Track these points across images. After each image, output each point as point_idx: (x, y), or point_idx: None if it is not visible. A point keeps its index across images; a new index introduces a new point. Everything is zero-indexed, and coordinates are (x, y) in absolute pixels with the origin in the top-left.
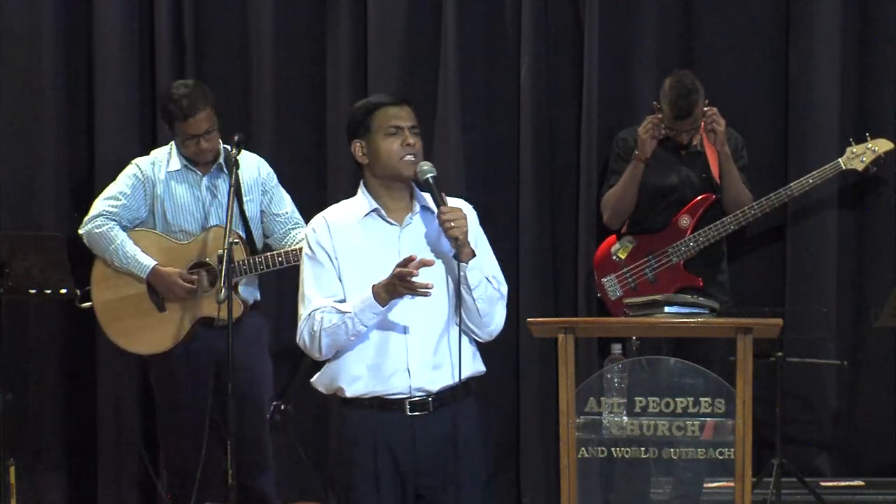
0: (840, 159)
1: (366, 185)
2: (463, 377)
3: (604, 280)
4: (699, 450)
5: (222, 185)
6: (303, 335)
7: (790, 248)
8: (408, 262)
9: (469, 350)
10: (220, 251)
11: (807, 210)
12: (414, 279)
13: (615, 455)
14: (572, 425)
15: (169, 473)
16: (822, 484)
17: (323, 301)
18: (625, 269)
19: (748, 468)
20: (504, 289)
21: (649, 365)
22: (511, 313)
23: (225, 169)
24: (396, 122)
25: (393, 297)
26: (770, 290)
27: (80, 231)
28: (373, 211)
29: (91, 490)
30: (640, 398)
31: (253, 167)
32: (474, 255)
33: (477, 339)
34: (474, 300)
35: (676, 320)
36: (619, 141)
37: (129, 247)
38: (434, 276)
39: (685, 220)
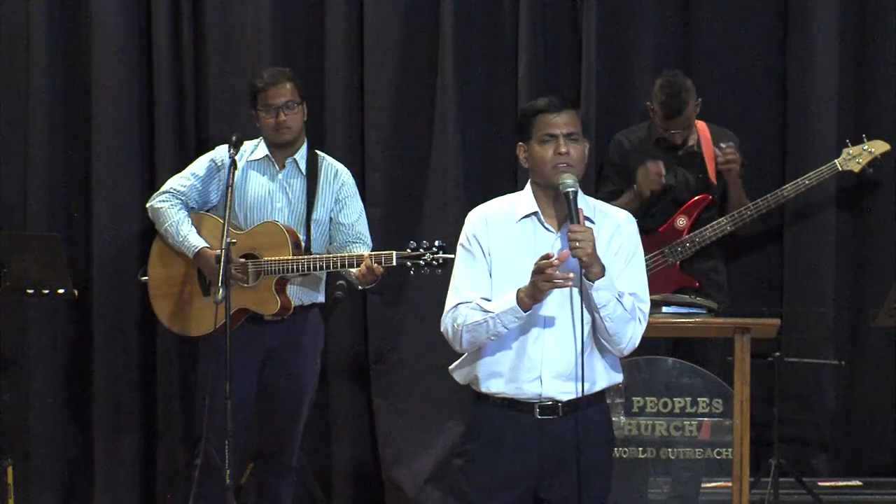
0: (836, 161)
1: (532, 187)
2: (595, 390)
3: None
4: (697, 450)
5: (297, 184)
6: (446, 325)
7: (788, 249)
8: (546, 257)
9: (603, 363)
10: (217, 252)
11: (805, 211)
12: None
13: (614, 455)
14: None
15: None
16: (820, 484)
17: (471, 294)
18: None
19: (746, 468)
20: (646, 307)
21: (647, 365)
22: None
23: (303, 170)
24: (551, 130)
25: (535, 300)
26: (768, 290)
27: (147, 204)
28: (533, 214)
29: (88, 490)
30: (639, 398)
31: (333, 174)
32: (602, 274)
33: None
34: (602, 318)
35: (675, 320)
36: (615, 143)
37: (184, 226)
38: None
39: (681, 221)
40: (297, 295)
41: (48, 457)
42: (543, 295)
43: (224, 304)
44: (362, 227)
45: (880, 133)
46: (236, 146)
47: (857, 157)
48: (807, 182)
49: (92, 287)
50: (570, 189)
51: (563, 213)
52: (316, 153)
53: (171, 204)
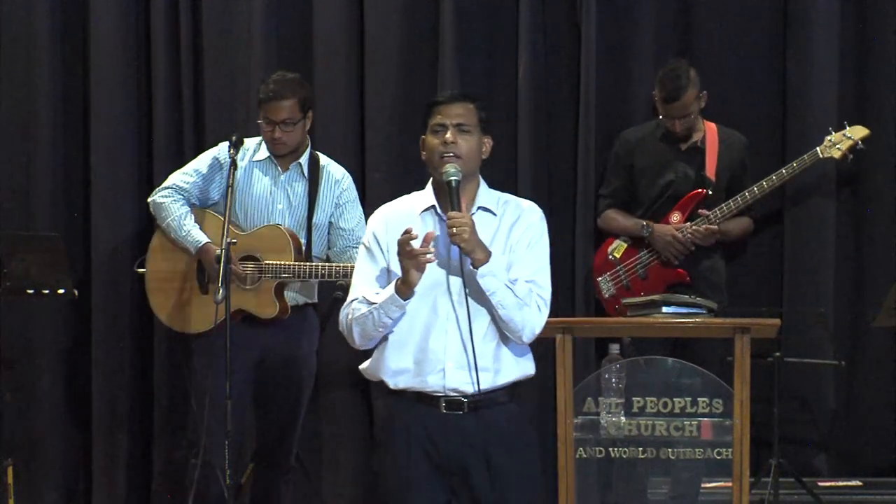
0: (818, 148)
1: (432, 180)
2: (503, 381)
3: (599, 279)
4: (697, 450)
5: (299, 187)
6: (341, 322)
7: (788, 248)
8: (407, 232)
9: (511, 353)
10: (217, 252)
11: (805, 210)
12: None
13: (613, 455)
14: (570, 425)
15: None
16: (820, 484)
17: (365, 291)
18: (619, 267)
19: (746, 468)
20: (545, 294)
21: (647, 365)
22: None
23: (306, 173)
24: (441, 121)
25: (409, 283)
26: (768, 290)
27: (149, 199)
28: (431, 207)
29: (87, 490)
30: (638, 398)
31: (333, 178)
32: (486, 260)
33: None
34: (494, 305)
35: (675, 320)
36: (620, 139)
37: (187, 221)
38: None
39: (676, 217)
40: (294, 297)
41: (48, 457)
42: (414, 275)
43: (224, 304)
44: (362, 232)
45: (881, 133)
46: (236, 146)
47: (837, 143)
48: (785, 172)
49: (91, 287)
50: (451, 178)
51: (463, 204)
52: (318, 157)
53: (173, 199)
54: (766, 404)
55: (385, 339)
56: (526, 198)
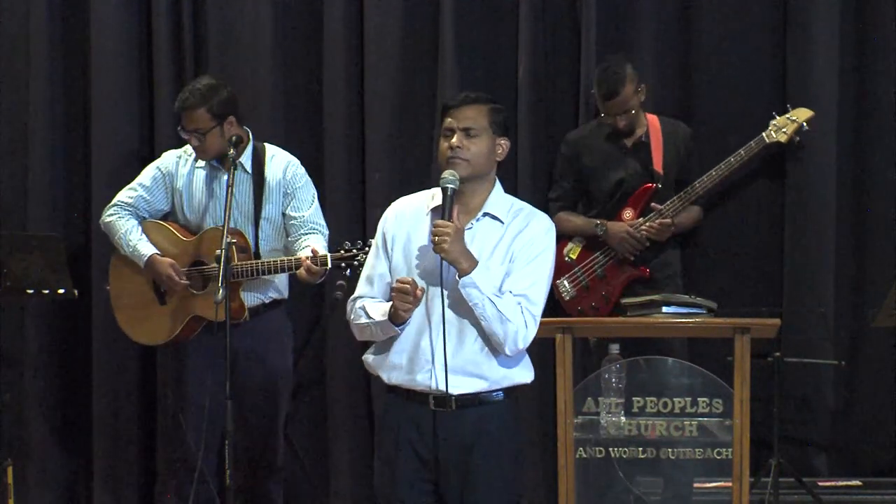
0: (763, 133)
1: None
2: (493, 388)
3: (557, 282)
4: (697, 450)
5: (243, 184)
6: (348, 315)
7: (788, 248)
8: (403, 282)
9: (503, 361)
10: (218, 251)
11: (805, 210)
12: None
13: (613, 455)
14: (570, 425)
15: (178, 472)
16: (820, 484)
17: (365, 289)
18: (576, 269)
19: (746, 468)
20: (535, 310)
21: (647, 365)
22: None
23: (249, 169)
24: (448, 125)
25: (398, 319)
26: (768, 290)
27: (100, 220)
28: (438, 207)
29: (87, 490)
30: (638, 398)
31: (279, 169)
32: (469, 271)
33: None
34: (477, 316)
35: (675, 320)
36: (564, 141)
37: (132, 236)
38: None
39: (628, 213)
40: (254, 295)
41: (48, 457)
42: (402, 315)
43: (224, 304)
44: (316, 217)
45: (881, 133)
46: (236, 146)
47: (783, 127)
48: (733, 160)
49: (91, 287)
50: (447, 185)
51: (467, 206)
52: (264, 150)
53: (119, 216)
54: (766, 404)
55: None
56: (525, 197)
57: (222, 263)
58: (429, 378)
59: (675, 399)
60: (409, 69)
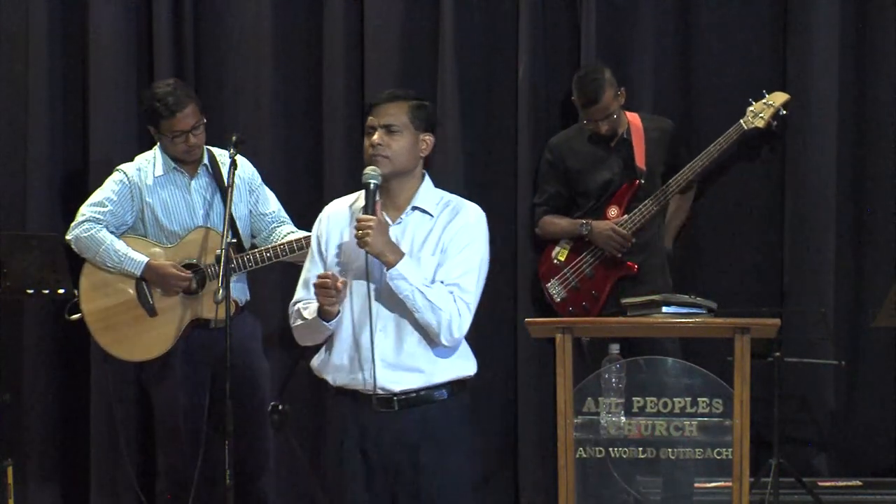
0: (741, 120)
1: None
2: (436, 381)
3: (548, 285)
4: (697, 450)
5: (210, 186)
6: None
7: (788, 248)
8: (324, 276)
9: (444, 354)
10: (218, 251)
11: (805, 209)
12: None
13: (613, 455)
14: (570, 425)
15: (168, 478)
16: (820, 484)
17: (301, 293)
18: (565, 270)
19: (746, 468)
20: (469, 297)
21: (647, 365)
22: (509, 312)
23: (211, 170)
24: (370, 123)
25: (326, 315)
26: (768, 290)
27: (68, 237)
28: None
29: (85, 492)
30: (638, 398)
31: (235, 167)
32: (394, 264)
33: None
34: (409, 308)
35: (675, 320)
36: (548, 146)
37: (119, 245)
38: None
39: (613, 211)
40: (235, 294)
41: (48, 457)
42: (328, 311)
43: (222, 304)
44: (282, 211)
45: (881, 133)
46: (236, 146)
47: (760, 113)
48: (713, 149)
49: None
50: (369, 181)
51: (396, 201)
52: (212, 152)
53: (96, 230)
54: (766, 404)
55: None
56: (526, 198)
57: (222, 263)
58: (371, 377)
59: (674, 399)
60: (409, 69)
